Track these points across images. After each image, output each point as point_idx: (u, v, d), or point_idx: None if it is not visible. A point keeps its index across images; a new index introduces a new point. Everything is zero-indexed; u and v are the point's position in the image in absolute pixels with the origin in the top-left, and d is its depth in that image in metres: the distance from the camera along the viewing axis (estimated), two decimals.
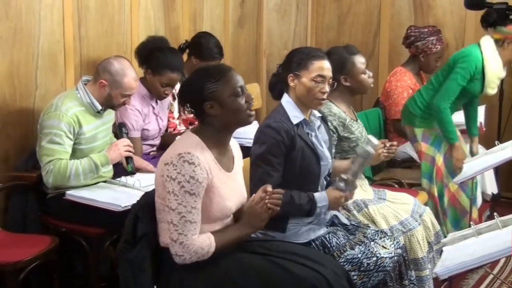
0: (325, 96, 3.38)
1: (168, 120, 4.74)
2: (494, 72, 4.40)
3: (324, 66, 3.37)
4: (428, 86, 4.67)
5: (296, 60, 3.39)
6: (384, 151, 3.70)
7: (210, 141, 2.86)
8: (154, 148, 4.56)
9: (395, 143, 3.84)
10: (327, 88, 3.36)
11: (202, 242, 2.74)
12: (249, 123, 2.95)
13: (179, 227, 2.72)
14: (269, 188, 2.86)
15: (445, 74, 4.50)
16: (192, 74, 2.99)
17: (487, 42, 4.40)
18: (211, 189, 2.80)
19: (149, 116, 4.45)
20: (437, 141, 4.52)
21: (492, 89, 4.49)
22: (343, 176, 3.29)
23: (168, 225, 2.76)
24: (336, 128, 3.79)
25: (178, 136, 3.90)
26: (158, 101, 4.51)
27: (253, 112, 2.93)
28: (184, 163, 2.71)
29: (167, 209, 2.76)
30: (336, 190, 3.30)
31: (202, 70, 2.96)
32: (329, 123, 3.71)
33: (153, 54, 4.38)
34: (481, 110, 4.72)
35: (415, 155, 5.24)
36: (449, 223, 4.61)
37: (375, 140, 3.41)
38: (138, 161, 4.08)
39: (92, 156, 3.80)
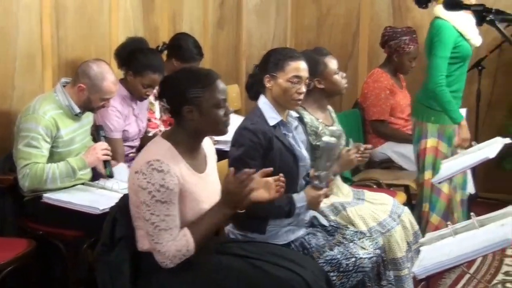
0: (301, 97, 3.37)
1: (150, 120, 4.73)
2: (464, 23, 4.35)
3: (301, 67, 3.36)
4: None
5: (273, 61, 3.38)
6: (357, 155, 3.71)
7: (181, 146, 2.84)
8: (134, 150, 4.53)
9: (369, 146, 3.85)
10: (303, 89, 3.36)
11: (177, 244, 2.72)
12: (224, 134, 2.94)
13: (155, 237, 2.71)
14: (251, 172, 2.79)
15: (428, 57, 4.46)
16: (179, 73, 2.96)
17: (440, 9, 4.35)
18: (184, 194, 2.78)
19: (129, 117, 4.43)
20: (449, 138, 4.49)
21: (475, 39, 4.44)
22: (315, 173, 3.29)
23: (147, 236, 2.76)
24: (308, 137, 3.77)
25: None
26: (138, 102, 4.49)
27: (229, 123, 2.91)
28: (153, 171, 2.69)
29: (142, 219, 2.75)
30: (312, 188, 3.30)
31: (190, 72, 2.94)
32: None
33: (133, 55, 4.36)
34: (463, 112, 4.72)
35: (394, 156, 5.27)
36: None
37: (327, 132, 3.51)
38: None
39: (69, 160, 3.77)
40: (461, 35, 4.36)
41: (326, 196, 3.37)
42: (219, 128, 2.87)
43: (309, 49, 4.01)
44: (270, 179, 2.95)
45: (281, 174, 2.97)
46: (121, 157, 4.22)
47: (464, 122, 4.44)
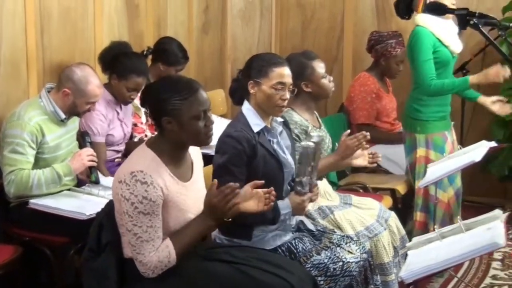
0: (285, 103, 3.37)
1: (136, 125, 4.73)
2: (443, 30, 4.36)
3: (284, 73, 3.36)
4: (413, 84, 4.61)
5: (256, 67, 3.38)
6: (369, 159, 3.78)
7: (166, 155, 2.82)
8: (119, 154, 4.53)
9: (380, 155, 3.86)
10: (287, 95, 3.36)
11: (160, 255, 2.72)
12: (207, 144, 2.93)
13: (136, 247, 2.71)
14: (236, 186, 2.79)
15: (411, 66, 4.45)
16: (159, 82, 2.96)
17: (420, 17, 4.38)
18: (168, 204, 2.78)
19: (114, 121, 4.43)
20: (439, 146, 4.49)
21: (453, 45, 4.45)
22: (297, 179, 3.29)
23: (129, 246, 2.76)
24: (299, 136, 3.77)
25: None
26: (123, 107, 4.50)
27: (212, 133, 2.88)
28: (137, 182, 2.68)
29: (124, 229, 2.75)
30: (296, 194, 3.30)
31: (172, 82, 2.89)
32: (292, 132, 3.71)
33: (118, 59, 4.36)
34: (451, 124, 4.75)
35: (381, 161, 5.27)
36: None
37: (314, 133, 3.41)
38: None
39: (55, 166, 3.76)
40: (440, 41, 4.38)
41: (311, 200, 3.38)
42: (200, 139, 2.85)
43: (297, 52, 4.01)
44: (260, 191, 2.93)
45: (272, 188, 2.95)
46: (102, 161, 4.21)
47: (473, 78, 4.37)
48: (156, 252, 2.72)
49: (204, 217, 2.80)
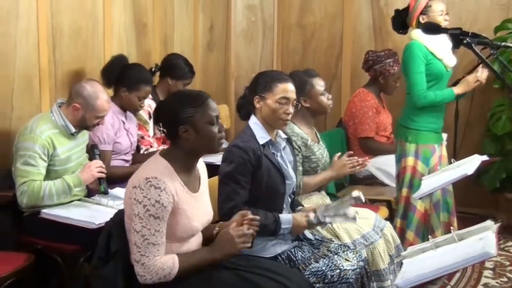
0: (289, 117, 3.41)
1: (143, 138, 4.76)
2: (437, 44, 4.36)
3: (288, 89, 3.40)
4: (406, 95, 4.61)
5: (262, 83, 3.43)
6: (350, 164, 3.78)
7: (178, 164, 2.86)
8: (128, 164, 4.54)
9: (368, 159, 3.89)
10: (291, 109, 3.40)
11: (164, 263, 2.73)
12: (218, 151, 2.99)
13: (142, 249, 2.72)
14: (248, 214, 2.91)
15: (405, 78, 4.46)
16: (171, 96, 3.00)
17: (415, 32, 4.40)
18: (177, 211, 2.80)
19: (120, 130, 4.46)
20: (426, 158, 4.49)
21: (449, 60, 4.43)
22: (320, 214, 3.30)
23: (132, 246, 2.76)
24: (300, 147, 3.82)
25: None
26: (128, 117, 4.56)
27: (223, 141, 2.95)
28: (151, 187, 2.71)
29: (132, 230, 2.75)
30: (304, 219, 3.32)
31: (182, 95, 2.96)
32: (294, 143, 3.74)
33: (124, 73, 4.44)
34: (444, 136, 4.74)
35: (376, 172, 5.28)
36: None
37: (362, 197, 3.45)
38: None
39: (65, 177, 3.78)
40: (433, 54, 4.39)
41: (309, 228, 3.42)
42: (214, 144, 2.89)
43: (300, 70, 4.05)
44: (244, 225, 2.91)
45: (247, 212, 2.97)
46: (108, 167, 4.21)
47: (457, 90, 4.39)
48: (160, 258, 2.72)
49: (213, 249, 2.86)
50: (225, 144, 3.67)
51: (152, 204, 2.70)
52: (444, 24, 4.28)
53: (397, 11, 4.58)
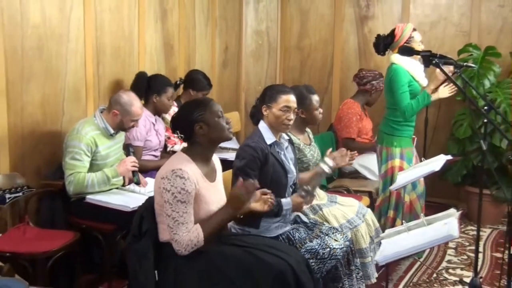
0: (291, 123, 3.40)
1: (169, 138, 4.77)
2: (414, 68, 4.34)
3: (290, 99, 3.39)
4: (387, 108, 4.59)
5: (269, 94, 3.43)
6: (344, 158, 3.74)
7: (197, 158, 2.87)
8: (157, 159, 4.53)
9: (357, 154, 3.86)
10: (292, 116, 3.39)
11: (191, 235, 2.74)
12: (230, 138, 2.99)
13: (174, 229, 2.73)
14: (267, 191, 2.96)
15: (390, 95, 4.44)
16: (182, 107, 3.04)
17: (395, 57, 4.38)
18: (198, 197, 2.80)
19: (151, 130, 4.45)
20: (409, 159, 4.47)
21: (421, 80, 4.40)
22: (305, 187, 3.30)
23: (166, 228, 2.77)
24: (295, 156, 3.77)
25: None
26: (157, 120, 4.55)
27: (232, 129, 2.98)
28: (177, 177, 2.71)
29: (164, 215, 2.75)
30: (299, 197, 3.31)
31: (191, 102, 3.02)
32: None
33: (150, 83, 4.48)
34: (414, 140, 4.72)
35: (360, 168, 5.26)
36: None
37: (330, 162, 3.59)
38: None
39: (105, 170, 3.78)
40: (412, 77, 4.38)
41: (307, 203, 3.39)
42: (225, 134, 2.92)
43: (301, 85, 4.03)
44: (265, 196, 2.98)
45: (268, 191, 3.00)
46: (140, 160, 4.16)
47: (432, 96, 4.31)
48: (188, 233, 2.73)
49: (226, 207, 2.85)
50: (237, 144, 3.67)
51: (178, 192, 2.71)
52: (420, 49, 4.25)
53: (378, 36, 4.55)
